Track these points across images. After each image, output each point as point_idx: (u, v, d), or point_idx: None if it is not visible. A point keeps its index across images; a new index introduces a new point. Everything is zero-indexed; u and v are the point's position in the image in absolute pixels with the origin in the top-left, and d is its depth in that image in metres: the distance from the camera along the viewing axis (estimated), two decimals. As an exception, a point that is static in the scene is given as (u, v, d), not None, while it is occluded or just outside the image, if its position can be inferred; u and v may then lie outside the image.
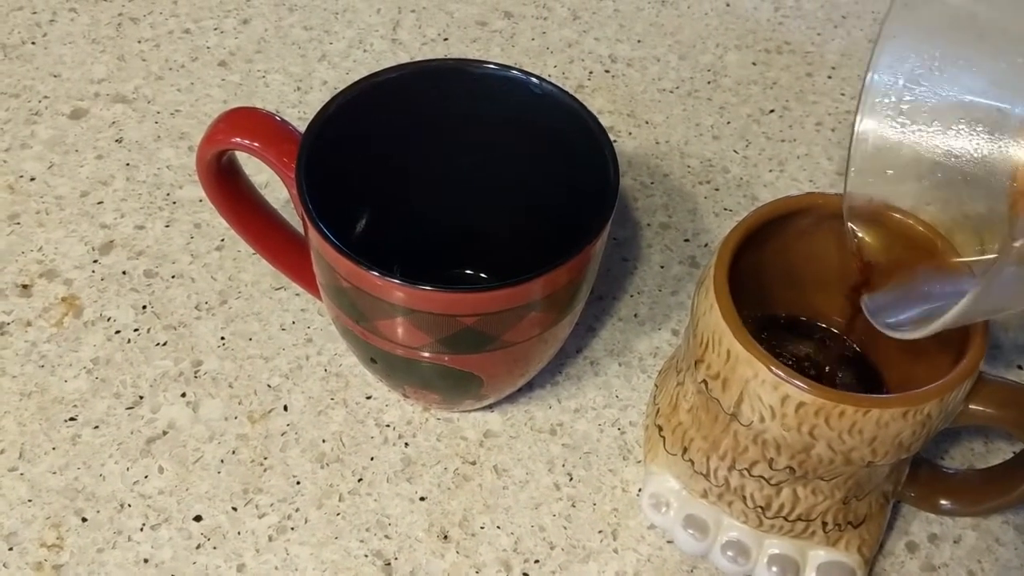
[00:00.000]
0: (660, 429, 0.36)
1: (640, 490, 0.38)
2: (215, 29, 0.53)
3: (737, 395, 0.31)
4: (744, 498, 0.34)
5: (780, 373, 0.29)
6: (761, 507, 0.34)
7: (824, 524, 0.34)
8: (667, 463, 0.36)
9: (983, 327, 0.31)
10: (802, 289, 0.37)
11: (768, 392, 0.30)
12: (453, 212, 0.40)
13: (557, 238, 0.37)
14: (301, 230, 0.39)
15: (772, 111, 0.51)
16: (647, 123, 0.50)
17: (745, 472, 0.33)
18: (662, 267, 0.44)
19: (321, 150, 0.33)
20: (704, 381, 0.32)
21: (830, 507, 0.33)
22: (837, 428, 0.30)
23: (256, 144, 0.33)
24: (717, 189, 0.47)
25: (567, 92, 0.35)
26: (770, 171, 0.48)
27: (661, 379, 0.38)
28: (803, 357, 0.38)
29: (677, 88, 0.52)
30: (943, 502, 0.36)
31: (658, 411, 0.37)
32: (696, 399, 0.34)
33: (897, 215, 0.34)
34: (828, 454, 0.30)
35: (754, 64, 0.53)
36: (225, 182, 0.36)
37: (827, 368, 0.37)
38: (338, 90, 0.34)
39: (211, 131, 0.34)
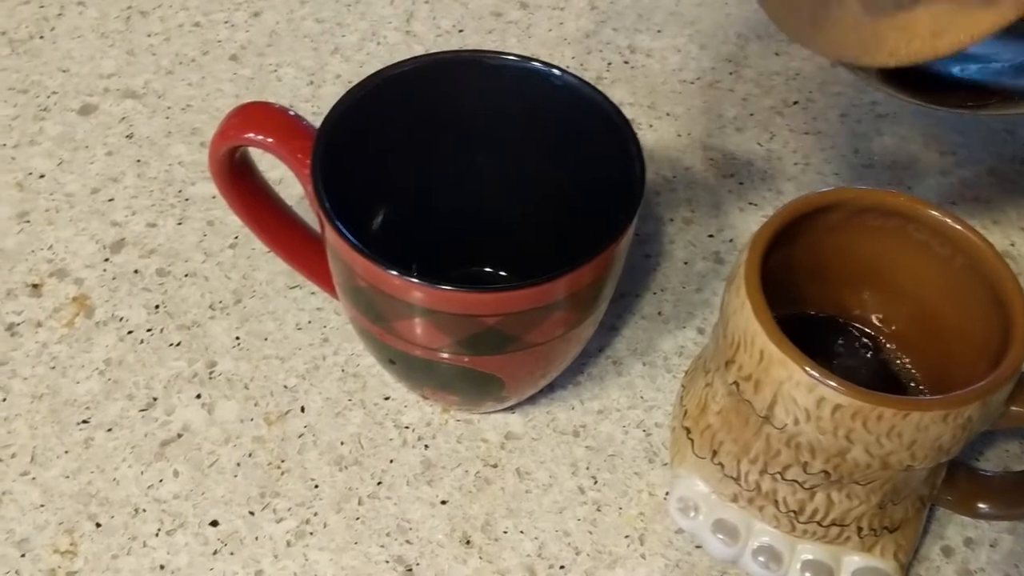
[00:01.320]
0: (688, 431, 0.35)
1: (667, 494, 0.36)
2: (226, 22, 0.52)
3: (770, 397, 0.30)
4: (776, 502, 0.33)
5: (816, 374, 0.28)
6: (794, 511, 0.33)
7: (859, 529, 0.33)
8: (695, 466, 0.35)
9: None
10: (832, 286, 0.36)
11: (803, 394, 0.29)
12: (471, 208, 0.39)
13: (578, 235, 0.36)
14: (316, 227, 0.38)
15: (796, 102, 0.50)
16: (668, 115, 0.49)
17: (778, 476, 0.32)
18: (685, 263, 0.43)
19: (336, 146, 0.32)
20: (735, 383, 0.31)
21: (865, 512, 0.32)
22: (875, 432, 0.28)
23: (270, 140, 0.32)
24: (741, 183, 0.46)
25: (589, 84, 0.34)
26: (795, 164, 0.47)
27: (688, 380, 0.37)
28: (833, 356, 0.37)
29: (698, 79, 0.51)
30: (981, 506, 0.35)
31: (685, 413, 0.36)
32: (726, 401, 0.33)
33: None
34: (865, 458, 0.29)
35: (776, 54, 0.52)
36: (239, 179, 0.35)
37: (858, 367, 0.36)
38: (352, 84, 0.33)
39: (224, 127, 0.33)
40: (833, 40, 0.30)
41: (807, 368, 0.28)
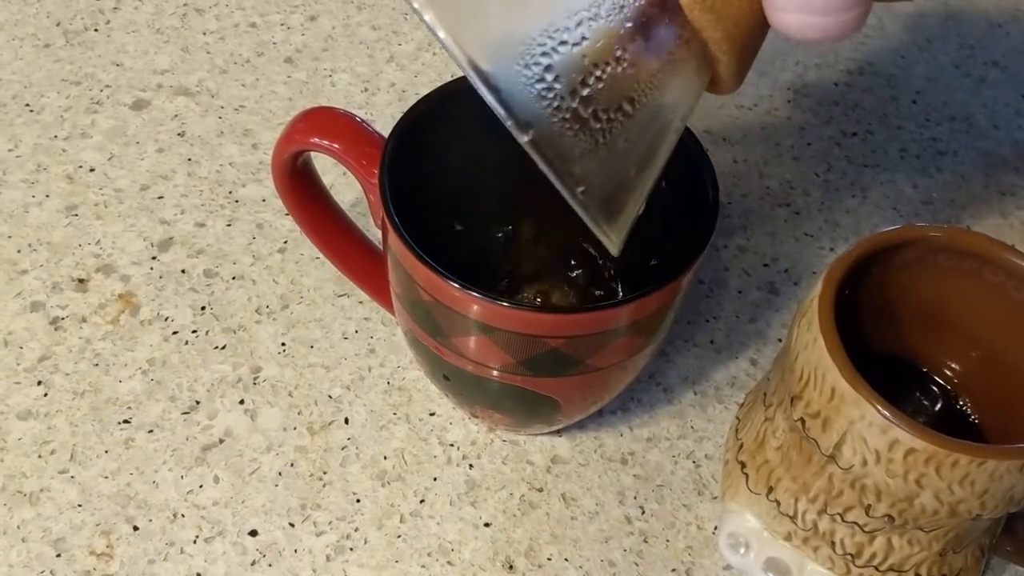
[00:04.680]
0: (743, 465, 0.34)
1: (716, 528, 0.36)
2: (281, 24, 0.51)
3: (839, 437, 0.29)
4: (833, 544, 0.32)
5: (890, 416, 0.27)
6: (851, 555, 0.32)
7: (917, 576, 0.32)
8: (748, 502, 0.34)
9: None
10: (897, 324, 0.35)
11: (875, 435, 0.28)
12: (539, 224, 0.38)
13: (646, 255, 0.35)
14: (370, 236, 0.37)
15: (855, 134, 0.49)
16: (724, 140, 0.48)
17: (837, 517, 0.31)
18: (739, 292, 0.42)
19: (404, 155, 0.32)
20: (801, 419, 0.30)
21: (925, 559, 0.31)
22: (948, 478, 0.28)
23: (336, 146, 0.32)
24: (797, 213, 0.45)
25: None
26: (852, 196, 0.46)
27: (744, 412, 0.36)
28: (893, 396, 0.36)
29: (756, 106, 0.50)
30: (1042, 558, 0.34)
31: (741, 446, 0.35)
32: (788, 437, 0.32)
33: None
34: (933, 504, 0.28)
35: (835, 84, 0.51)
36: (300, 184, 0.34)
37: (917, 410, 0.35)
38: (406, 93, 0.33)
39: (289, 130, 0.32)
40: None
41: (882, 409, 0.27)
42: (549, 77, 0.22)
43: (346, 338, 0.40)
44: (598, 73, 0.23)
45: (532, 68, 0.22)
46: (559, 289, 0.39)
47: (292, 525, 0.35)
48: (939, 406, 0.36)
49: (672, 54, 0.25)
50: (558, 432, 0.38)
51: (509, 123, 0.22)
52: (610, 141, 0.24)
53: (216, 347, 0.39)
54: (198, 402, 0.37)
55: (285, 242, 0.42)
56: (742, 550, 0.34)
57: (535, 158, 0.22)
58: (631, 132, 0.24)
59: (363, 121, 0.33)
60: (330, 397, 0.38)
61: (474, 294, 0.28)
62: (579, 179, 0.23)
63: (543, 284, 0.39)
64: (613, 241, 0.25)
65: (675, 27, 0.25)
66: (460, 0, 0.22)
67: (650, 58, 0.24)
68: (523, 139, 0.22)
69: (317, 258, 0.41)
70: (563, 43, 0.23)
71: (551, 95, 0.22)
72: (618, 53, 0.24)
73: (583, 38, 0.23)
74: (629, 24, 0.24)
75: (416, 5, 0.21)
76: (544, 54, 0.22)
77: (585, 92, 0.23)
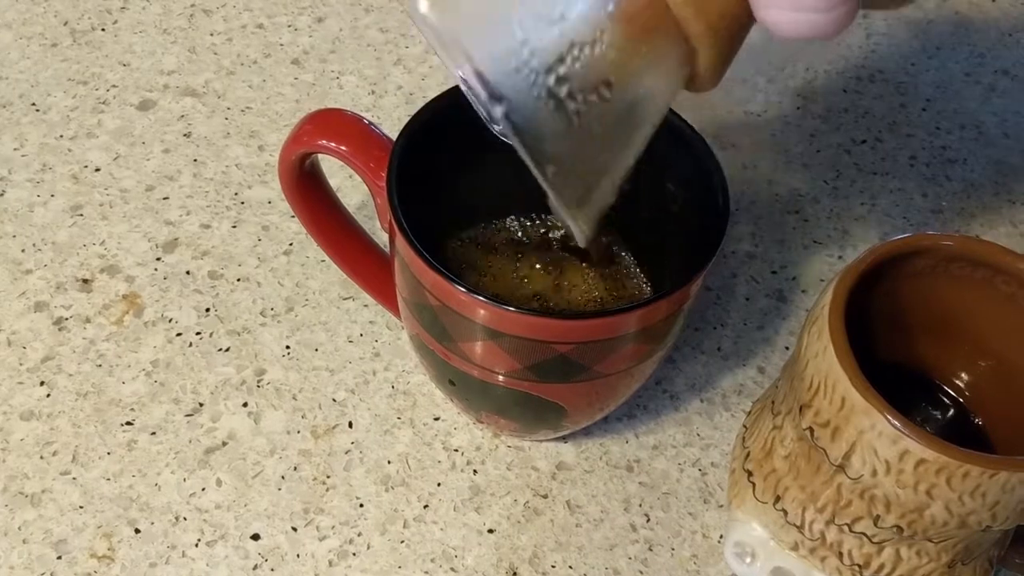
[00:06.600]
0: (750, 474, 0.34)
1: (722, 537, 0.35)
2: (289, 26, 0.51)
3: (848, 446, 0.29)
4: (841, 554, 0.32)
5: (900, 426, 0.27)
6: (859, 565, 0.31)
7: (925, 588, 0.31)
8: (755, 511, 0.34)
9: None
10: (907, 333, 0.35)
11: (885, 445, 0.28)
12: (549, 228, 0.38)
13: (654, 259, 0.35)
14: (376, 239, 0.37)
15: (864, 141, 0.49)
16: (733, 146, 0.48)
17: (845, 527, 0.31)
18: (747, 299, 0.42)
19: (413, 158, 0.32)
20: (810, 428, 0.30)
21: (934, 570, 0.31)
22: (959, 489, 0.27)
23: (344, 148, 0.32)
24: (806, 220, 0.45)
25: (675, 113, 0.33)
26: (861, 204, 0.46)
27: (752, 420, 0.36)
28: (901, 406, 0.35)
29: (765, 112, 0.50)
30: (1051, 571, 0.34)
31: (748, 455, 0.34)
32: (796, 446, 0.32)
33: None
34: (943, 516, 0.28)
35: (844, 91, 0.51)
36: (306, 186, 0.34)
37: (926, 421, 0.35)
38: (413, 96, 0.32)
39: (297, 132, 0.32)
40: None
41: (893, 419, 0.27)
42: (525, 52, 0.22)
43: (351, 341, 0.39)
44: (575, 52, 0.23)
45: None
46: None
47: (295, 529, 0.34)
48: (948, 416, 0.35)
49: (652, 43, 0.24)
50: (564, 438, 0.37)
51: (483, 96, 0.21)
52: (584, 124, 0.24)
53: (220, 349, 0.39)
54: (201, 404, 0.37)
55: (291, 244, 0.42)
56: (748, 559, 0.33)
57: (507, 134, 0.22)
58: (606, 117, 0.24)
59: (371, 124, 0.32)
60: (334, 401, 0.38)
61: (481, 299, 0.28)
62: (551, 158, 0.23)
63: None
64: (582, 228, 0.25)
65: (656, 17, 0.24)
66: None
67: (629, 44, 0.24)
68: (496, 112, 0.22)
69: (323, 261, 0.41)
70: (540, 17, 0.23)
71: (526, 70, 0.22)
72: (597, 34, 0.23)
73: (562, 16, 0.23)
74: (611, 8, 0.24)
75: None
76: (521, 28, 0.22)
77: (562, 71, 0.23)
